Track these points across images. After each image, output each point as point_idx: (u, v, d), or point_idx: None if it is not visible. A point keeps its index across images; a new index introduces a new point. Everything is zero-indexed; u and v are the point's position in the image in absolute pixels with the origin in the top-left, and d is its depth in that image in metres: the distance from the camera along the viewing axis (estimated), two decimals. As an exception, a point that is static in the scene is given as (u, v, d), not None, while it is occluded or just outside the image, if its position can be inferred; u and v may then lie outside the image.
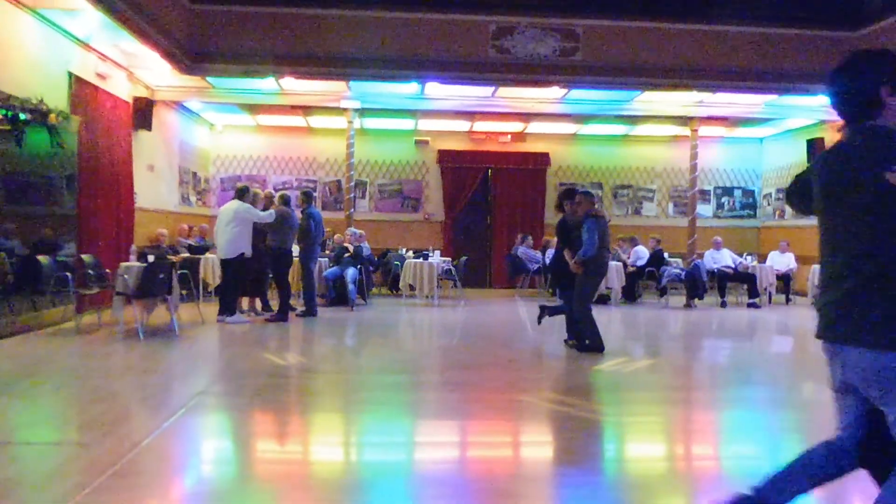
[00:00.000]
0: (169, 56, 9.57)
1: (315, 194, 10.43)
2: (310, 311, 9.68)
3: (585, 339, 7.28)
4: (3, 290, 7.43)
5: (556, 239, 7.96)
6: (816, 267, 12.13)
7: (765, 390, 6.05)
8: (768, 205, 15.73)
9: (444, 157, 15.38)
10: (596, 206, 7.72)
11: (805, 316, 11.22)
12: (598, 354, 7.05)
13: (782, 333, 9.84)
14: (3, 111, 7.35)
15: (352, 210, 13.30)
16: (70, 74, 8.88)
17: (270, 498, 3.40)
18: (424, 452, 4.26)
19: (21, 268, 7.77)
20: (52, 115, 8.05)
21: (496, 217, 15.61)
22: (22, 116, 7.61)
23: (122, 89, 10.52)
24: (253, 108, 13.48)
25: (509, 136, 15.47)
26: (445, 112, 13.20)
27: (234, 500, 3.36)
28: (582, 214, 7.32)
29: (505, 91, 12.12)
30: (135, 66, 10.60)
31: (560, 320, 7.95)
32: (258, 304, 9.83)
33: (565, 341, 7.63)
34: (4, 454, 3.85)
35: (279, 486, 3.55)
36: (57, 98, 8.44)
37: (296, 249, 9.75)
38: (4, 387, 5.33)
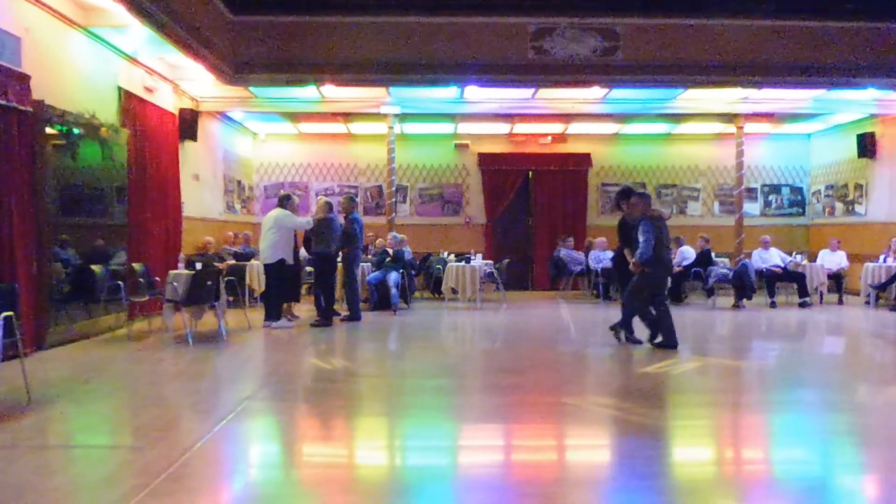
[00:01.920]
0: (213, 68, 9.79)
1: (357, 199, 10.52)
2: (353, 316, 9.78)
3: (625, 332, 7.65)
4: (60, 299, 7.68)
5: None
6: (870, 265, 11.88)
7: (816, 393, 5.89)
8: (817, 202, 15.32)
9: (485, 160, 15.38)
10: (653, 207, 7.80)
11: (858, 316, 10.89)
12: (639, 348, 7.39)
13: (834, 334, 9.57)
14: (59, 126, 7.62)
15: (393, 215, 13.38)
16: (119, 89, 9.16)
17: (317, 501, 3.45)
18: (469, 456, 4.26)
19: (76, 277, 8.02)
20: (104, 129, 8.32)
21: (537, 219, 15.53)
22: (75, 131, 7.89)
23: (168, 101, 10.80)
24: (294, 117, 13.69)
25: (550, 138, 15.39)
26: (485, 115, 13.20)
27: (282, 503, 3.41)
28: (638, 215, 7.52)
29: (545, 92, 12.06)
30: (180, 79, 10.88)
31: (604, 323, 7.89)
32: (293, 308, 9.97)
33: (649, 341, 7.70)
34: (64, 457, 3.98)
35: (325, 489, 3.59)
36: (107, 112, 8.71)
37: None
38: (62, 392, 5.51)
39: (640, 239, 7.32)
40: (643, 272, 7.41)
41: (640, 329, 7.75)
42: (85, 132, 8.06)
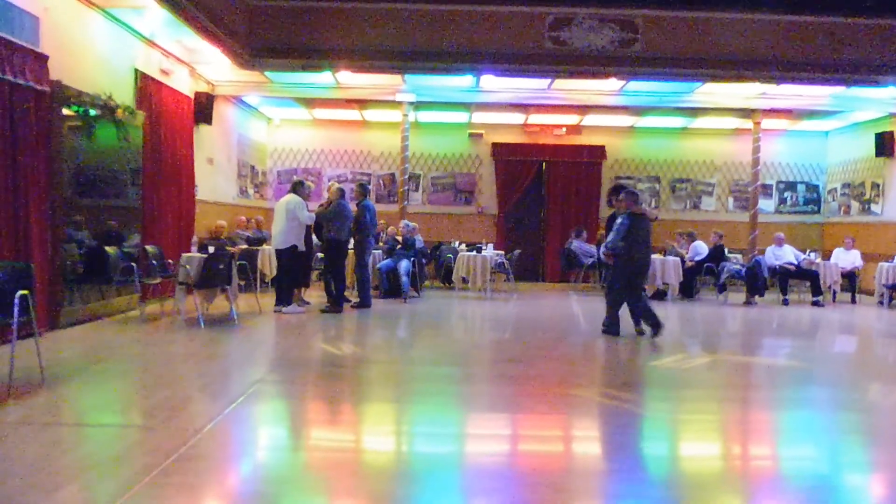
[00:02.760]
0: (229, 51, 9.80)
1: (370, 187, 10.52)
2: (364, 303, 9.81)
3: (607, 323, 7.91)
4: (74, 279, 7.74)
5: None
6: (884, 265, 11.78)
7: (826, 391, 5.86)
8: (833, 200, 15.18)
9: (498, 150, 15.34)
10: (640, 206, 8.04)
11: (871, 316, 10.82)
12: (645, 342, 7.55)
13: (846, 333, 9.51)
14: (75, 107, 7.66)
15: (405, 203, 13.39)
16: (136, 71, 9.18)
17: (326, 485, 3.47)
18: (476, 445, 4.27)
19: (90, 258, 8.09)
20: (120, 111, 8.35)
21: (550, 211, 15.48)
22: (92, 112, 7.92)
23: (184, 84, 10.83)
24: (309, 103, 13.69)
25: (564, 129, 15.32)
26: (500, 105, 13.15)
27: (291, 486, 3.44)
28: (623, 211, 7.86)
29: (561, 83, 12.00)
30: (196, 62, 10.90)
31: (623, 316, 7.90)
32: (303, 293, 10.01)
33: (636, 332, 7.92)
34: (76, 435, 4.03)
35: (334, 473, 3.62)
36: (123, 94, 8.75)
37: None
38: (75, 372, 5.57)
39: (612, 230, 7.83)
40: (614, 264, 7.83)
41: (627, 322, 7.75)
42: (101, 113, 8.09)
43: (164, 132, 9.90)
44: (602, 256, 8.66)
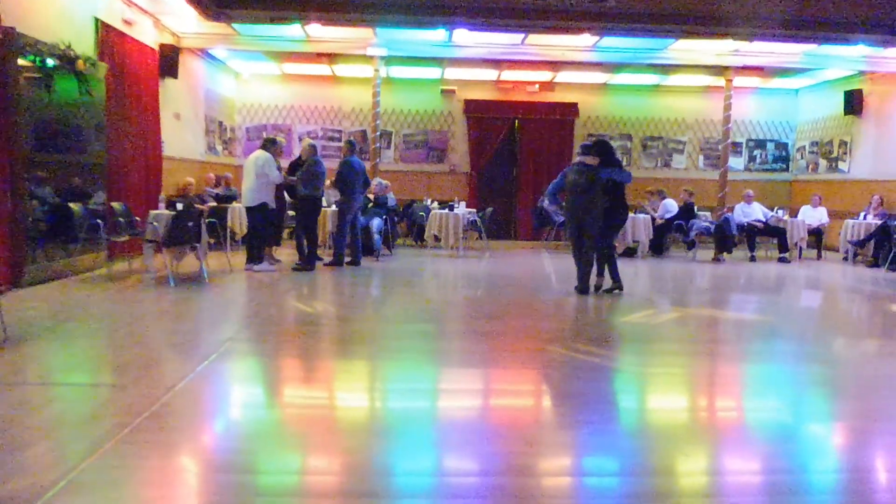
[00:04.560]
0: (194, 2, 9.46)
1: (356, 144, 10.33)
2: (337, 261, 9.76)
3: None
4: (37, 237, 7.55)
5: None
6: (850, 221, 12.02)
7: (791, 345, 6.00)
8: (801, 158, 15.37)
9: (471, 107, 15.19)
10: (581, 159, 7.94)
11: (836, 271, 11.06)
12: (618, 299, 7.63)
13: (812, 288, 9.72)
14: (32, 57, 7.36)
15: (377, 160, 13.23)
16: (96, 20, 8.85)
17: (300, 441, 3.48)
18: (450, 400, 4.30)
19: (53, 215, 7.88)
20: (80, 62, 8.06)
21: (522, 169, 15.44)
22: (50, 62, 7.63)
23: (149, 36, 10.48)
24: (279, 56, 13.36)
25: (537, 86, 15.19)
26: (473, 60, 12.96)
27: (265, 443, 3.44)
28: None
29: (535, 38, 11.86)
30: (161, 13, 10.54)
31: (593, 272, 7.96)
32: (275, 252, 9.91)
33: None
34: (44, 394, 3.97)
35: (308, 429, 3.62)
36: (84, 44, 8.44)
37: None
38: (41, 331, 5.47)
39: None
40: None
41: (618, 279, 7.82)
42: (60, 65, 7.81)
43: (128, 85, 9.61)
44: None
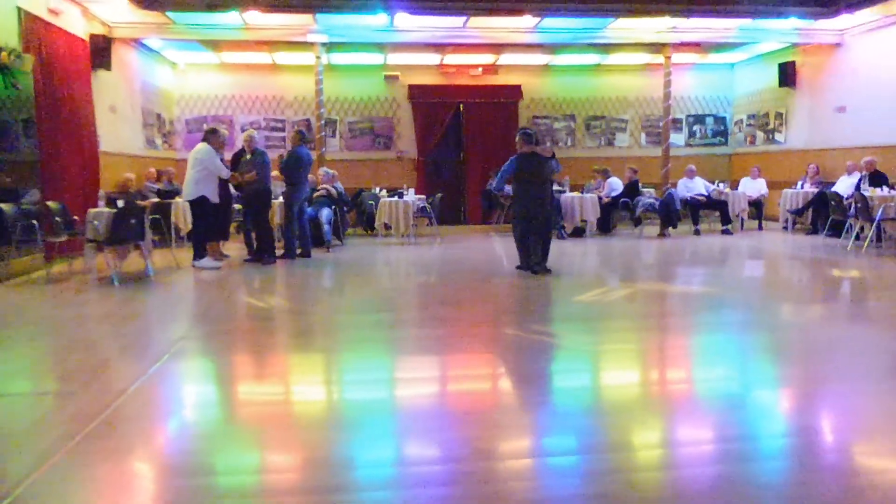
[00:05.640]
0: (124, -11, 9.13)
1: (306, 133, 10.12)
2: (304, 253, 9.61)
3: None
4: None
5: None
6: (788, 191, 12.41)
7: (737, 314, 6.18)
8: (739, 131, 15.77)
9: (415, 92, 15.08)
10: (532, 146, 8.08)
11: (777, 241, 11.42)
12: (567, 280, 7.73)
13: (754, 258, 10.01)
14: (-49, 52, 6.99)
15: (323, 150, 13.05)
16: (19, 10, 8.43)
17: (259, 439, 3.41)
18: (410, 388, 4.28)
19: (-16, 217, 7.54)
20: (4, 55, 7.70)
21: (469, 153, 15.44)
22: (-28, 57, 7.26)
23: (77, 26, 10.05)
24: (216, 45, 12.99)
25: (480, 69, 15.17)
26: (415, 45, 12.85)
27: (224, 443, 3.36)
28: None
29: (477, 21, 11.82)
30: (89, 1, 10.12)
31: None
32: (222, 247, 9.68)
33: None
34: (-14, 406, 3.79)
35: (267, 426, 3.56)
36: (7, 36, 8.05)
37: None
38: (-21, 339, 5.23)
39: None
40: (511, 205, 8.39)
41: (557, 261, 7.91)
42: (-17, 59, 7.43)
43: (58, 78, 9.21)
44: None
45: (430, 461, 3.13)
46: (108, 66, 10.77)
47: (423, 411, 3.77)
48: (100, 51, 10.55)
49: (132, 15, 10.70)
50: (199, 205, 8.70)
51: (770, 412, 3.75)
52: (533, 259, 8.01)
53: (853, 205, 9.98)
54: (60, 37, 9.40)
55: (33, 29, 8.64)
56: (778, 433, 3.40)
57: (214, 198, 8.84)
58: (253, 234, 9.34)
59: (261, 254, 9.15)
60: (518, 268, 8.21)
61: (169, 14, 10.91)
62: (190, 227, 9.81)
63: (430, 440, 3.33)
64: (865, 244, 9.70)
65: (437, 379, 4.50)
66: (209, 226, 8.97)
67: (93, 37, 10.50)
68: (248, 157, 9.20)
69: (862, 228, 10.03)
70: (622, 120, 15.85)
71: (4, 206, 7.81)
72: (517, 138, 8.16)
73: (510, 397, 4.14)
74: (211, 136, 8.90)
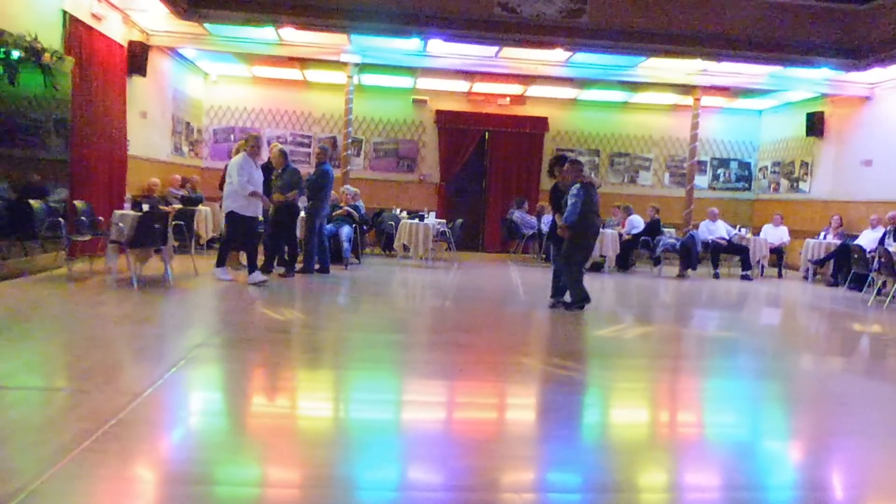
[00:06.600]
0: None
1: (329, 150, 10.20)
2: (307, 268, 9.64)
3: (569, 298, 7.70)
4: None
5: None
6: (810, 241, 12.31)
7: (753, 360, 6.10)
8: (763, 178, 15.72)
9: (442, 117, 15.19)
10: (585, 174, 7.88)
11: (796, 290, 11.31)
12: (583, 314, 7.48)
13: (772, 306, 9.91)
14: (-4, 48, 7.14)
15: (348, 168, 13.15)
16: (64, 13, 8.63)
17: (265, 451, 3.39)
18: (419, 412, 4.25)
19: (11, 211, 7.63)
20: (47, 55, 7.85)
21: (492, 181, 15.49)
22: (15, 54, 7.41)
23: (117, 32, 10.26)
24: (249, 59, 13.20)
25: (508, 99, 15.28)
26: (445, 71, 12.98)
27: (232, 452, 3.35)
28: (570, 182, 7.65)
29: (508, 52, 11.93)
30: (130, 9, 10.34)
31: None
32: (243, 258, 9.64)
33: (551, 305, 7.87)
34: (2, 399, 3.80)
35: (275, 440, 3.54)
36: (51, 37, 8.22)
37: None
38: (-1, 331, 5.27)
39: (570, 202, 7.47)
40: (571, 237, 7.54)
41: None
42: (25, 56, 7.58)
43: (95, 81, 9.38)
44: (549, 229, 8.55)
45: (433, 488, 3.09)
46: (143, 73, 10.95)
47: (430, 437, 3.74)
48: (136, 57, 10.75)
49: (170, 24, 10.92)
50: (229, 219, 8.46)
51: (780, 462, 3.68)
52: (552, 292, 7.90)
53: (877, 259, 9.88)
54: (101, 41, 9.59)
55: (76, 32, 8.83)
56: (786, 485, 3.34)
57: (245, 211, 8.35)
58: (273, 247, 9.36)
59: (289, 266, 9.18)
60: (573, 304, 7.62)
61: (206, 26, 11.11)
62: (210, 235, 9.84)
63: (435, 466, 3.29)
64: (888, 300, 9.58)
65: (448, 405, 4.46)
66: (236, 238, 8.65)
67: (131, 43, 10.70)
68: (280, 171, 9.19)
69: (884, 283, 9.91)
70: (646, 158, 15.86)
71: (34, 203, 7.91)
72: (565, 167, 7.80)
73: (520, 428, 4.10)
74: (245, 145, 8.56)
